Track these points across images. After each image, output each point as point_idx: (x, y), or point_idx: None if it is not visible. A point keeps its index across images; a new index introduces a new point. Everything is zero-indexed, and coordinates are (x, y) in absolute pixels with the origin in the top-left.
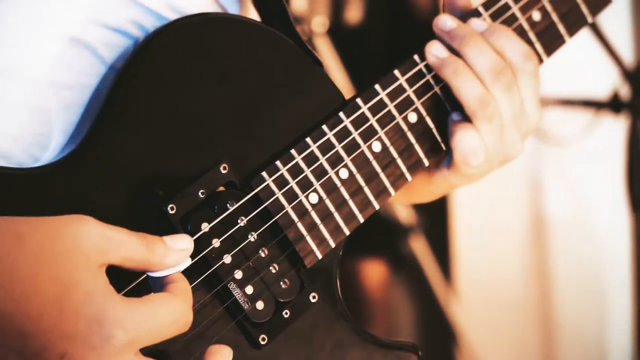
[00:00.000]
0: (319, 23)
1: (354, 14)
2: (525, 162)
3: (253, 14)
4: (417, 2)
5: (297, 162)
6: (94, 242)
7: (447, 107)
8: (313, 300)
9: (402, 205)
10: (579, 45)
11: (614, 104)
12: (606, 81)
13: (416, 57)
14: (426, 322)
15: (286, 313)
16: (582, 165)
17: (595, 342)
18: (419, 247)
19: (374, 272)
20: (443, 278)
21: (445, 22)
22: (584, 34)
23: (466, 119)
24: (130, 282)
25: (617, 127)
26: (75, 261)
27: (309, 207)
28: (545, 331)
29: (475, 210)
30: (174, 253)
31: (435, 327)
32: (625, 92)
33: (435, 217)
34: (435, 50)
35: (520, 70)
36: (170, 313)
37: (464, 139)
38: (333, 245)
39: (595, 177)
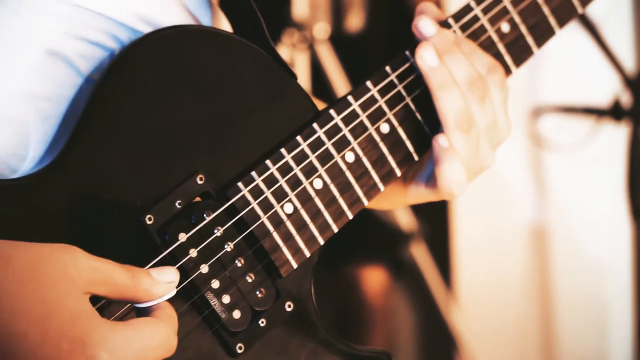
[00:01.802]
0: (321, 30)
1: (355, 21)
2: (526, 170)
3: (225, 25)
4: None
5: (272, 173)
6: (80, 271)
7: (418, 118)
8: (289, 309)
9: (402, 212)
10: (580, 53)
11: (615, 112)
12: (607, 88)
13: (388, 68)
14: (426, 328)
15: (262, 322)
16: (583, 173)
17: (595, 350)
18: (420, 253)
19: (374, 279)
20: (443, 285)
21: (426, 26)
22: (585, 40)
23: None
24: (119, 308)
25: (618, 134)
26: (60, 284)
27: (284, 217)
28: (545, 339)
29: (475, 217)
30: (159, 285)
31: (435, 333)
32: (626, 99)
33: (436, 224)
34: (427, 57)
35: (487, 81)
36: (155, 336)
37: (450, 172)
38: (308, 254)
39: (597, 185)
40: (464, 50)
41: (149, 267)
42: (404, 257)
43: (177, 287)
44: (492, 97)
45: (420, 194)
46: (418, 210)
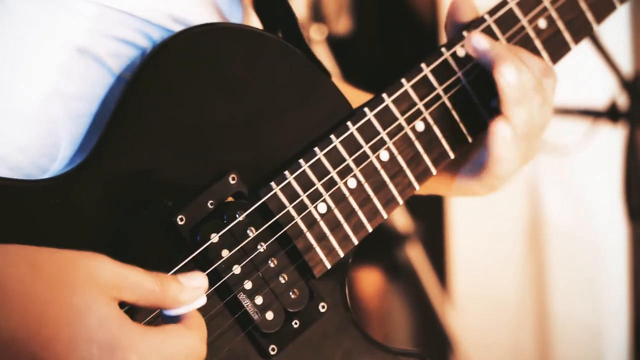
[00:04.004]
0: (318, 30)
1: (342, 25)
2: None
3: (256, 23)
4: (411, 9)
5: (305, 172)
6: (107, 277)
7: (454, 116)
8: (322, 310)
9: (398, 213)
10: (578, 54)
11: (611, 113)
12: (604, 90)
13: (423, 64)
14: (422, 330)
15: (296, 323)
16: (580, 174)
17: (591, 351)
18: (416, 255)
19: (370, 280)
20: (439, 286)
21: (479, 41)
22: (583, 43)
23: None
24: (148, 313)
25: (614, 136)
26: (89, 289)
27: (318, 217)
28: (541, 340)
29: (472, 218)
30: (187, 291)
31: (431, 335)
32: (623, 101)
33: (432, 225)
34: (475, 42)
35: (542, 87)
36: (184, 344)
37: (498, 130)
38: (342, 255)
39: (593, 186)
40: (520, 56)
41: (180, 267)
42: (400, 259)
43: (210, 289)
44: (549, 102)
45: (468, 187)
46: (414, 211)
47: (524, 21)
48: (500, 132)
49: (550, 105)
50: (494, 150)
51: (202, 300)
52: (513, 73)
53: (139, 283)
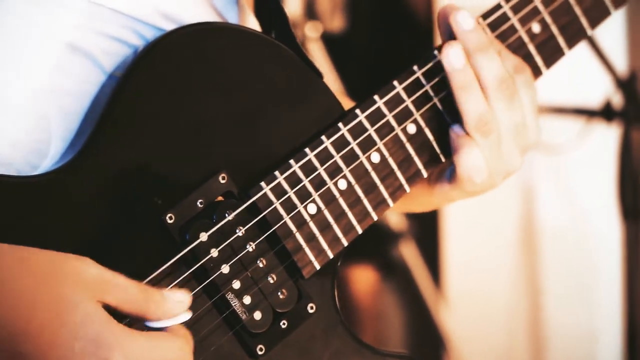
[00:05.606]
0: (313, 28)
1: (336, 22)
2: None
3: (252, 23)
4: (406, 7)
5: (295, 172)
6: (92, 276)
7: (446, 119)
8: (311, 311)
9: (393, 212)
10: (572, 54)
11: (606, 113)
12: (599, 89)
13: (415, 67)
14: (416, 328)
15: (284, 323)
16: (574, 174)
17: (585, 349)
18: (409, 253)
19: (363, 278)
20: (433, 284)
21: (465, 19)
22: None
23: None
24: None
25: (609, 135)
26: (75, 284)
27: (308, 218)
28: (534, 339)
29: (466, 217)
30: (170, 302)
31: (424, 333)
32: (617, 100)
33: (425, 223)
34: (453, 56)
35: (516, 81)
36: (172, 350)
37: (468, 157)
38: (331, 256)
39: (587, 186)
40: (496, 48)
41: (169, 265)
42: (394, 257)
43: (197, 287)
44: (521, 98)
45: (444, 193)
46: None
47: (517, 25)
48: (469, 161)
49: (526, 102)
50: (459, 164)
51: (187, 315)
52: (472, 101)
53: (123, 288)
